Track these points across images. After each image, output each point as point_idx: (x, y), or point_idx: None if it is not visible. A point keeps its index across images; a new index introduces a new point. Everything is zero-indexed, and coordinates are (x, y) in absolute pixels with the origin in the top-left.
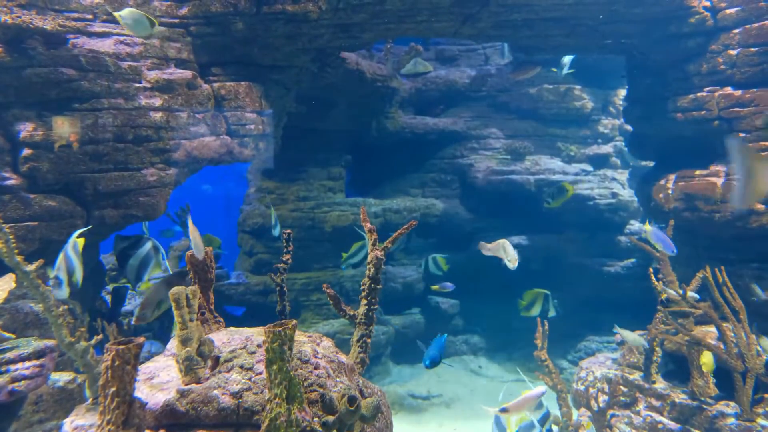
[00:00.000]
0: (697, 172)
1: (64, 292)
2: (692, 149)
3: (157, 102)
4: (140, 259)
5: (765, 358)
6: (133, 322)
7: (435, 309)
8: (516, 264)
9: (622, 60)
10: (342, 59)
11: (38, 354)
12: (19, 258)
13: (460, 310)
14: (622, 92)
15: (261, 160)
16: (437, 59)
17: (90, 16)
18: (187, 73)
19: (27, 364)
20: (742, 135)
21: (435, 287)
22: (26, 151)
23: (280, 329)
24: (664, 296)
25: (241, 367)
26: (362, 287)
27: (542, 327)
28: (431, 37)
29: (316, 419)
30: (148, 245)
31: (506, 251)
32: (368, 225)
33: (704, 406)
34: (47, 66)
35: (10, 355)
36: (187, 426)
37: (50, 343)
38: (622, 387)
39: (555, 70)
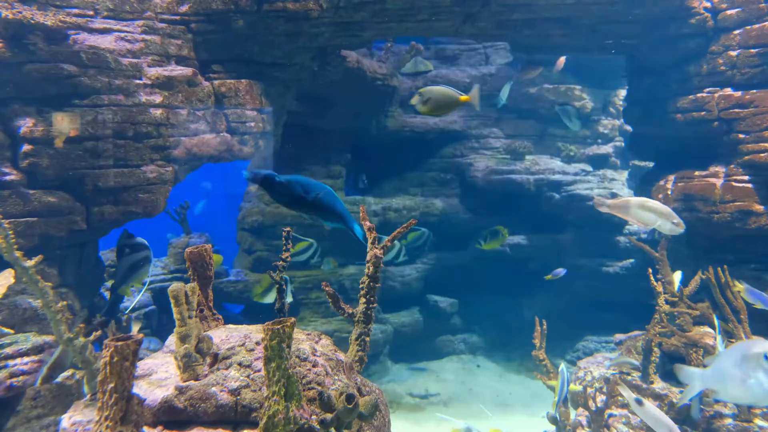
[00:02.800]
0: (697, 173)
1: None
2: (692, 150)
3: (158, 99)
4: (131, 263)
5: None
6: (37, 384)
7: (433, 308)
8: (683, 228)
9: (623, 60)
10: (342, 57)
11: (37, 350)
12: (18, 253)
13: (459, 309)
14: (622, 92)
15: (261, 157)
16: (437, 58)
17: (91, 12)
18: (188, 70)
19: (25, 359)
20: (742, 136)
21: (548, 277)
22: (26, 147)
23: (278, 327)
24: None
25: (240, 364)
26: (361, 285)
27: (540, 327)
28: (432, 36)
29: (314, 417)
30: (142, 254)
31: (665, 214)
32: (367, 224)
33: (702, 407)
34: (48, 62)
35: (8, 350)
36: (185, 423)
37: (49, 338)
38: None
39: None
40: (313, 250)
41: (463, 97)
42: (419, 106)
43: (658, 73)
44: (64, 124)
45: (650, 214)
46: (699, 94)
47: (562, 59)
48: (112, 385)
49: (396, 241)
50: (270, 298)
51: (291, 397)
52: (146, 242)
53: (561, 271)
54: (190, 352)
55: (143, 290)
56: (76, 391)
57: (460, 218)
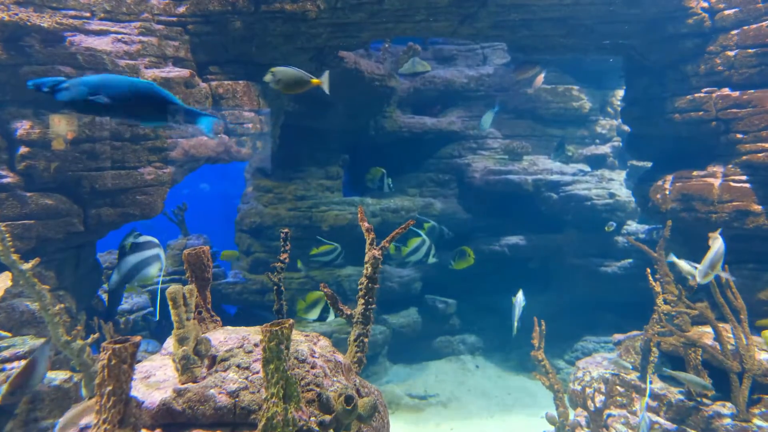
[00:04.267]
0: (695, 173)
1: None
2: (690, 150)
3: None
4: (138, 261)
5: None
6: (3, 400)
7: (432, 308)
8: (694, 285)
9: (620, 60)
10: (340, 58)
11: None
12: (15, 256)
13: (458, 310)
14: (620, 93)
15: (258, 159)
16: (435, 59)
17: (87, 14)
18: (185, 72)
19: (23, 362)
20: (739, 136)
21: (608, 228)
22: (23, 149)
23: (277, 328)
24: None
25: (238, 366)
26: (359, 287)
27: (539, 327)
28: (429, 36)
29: (312, 418)
30: (152, 252)
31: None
32: (366, 224)
33: (700, 407)
34: (44, 64)
35: (5, 353)
36: (183, 425)
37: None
38: (618, 387)
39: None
40: (336, 253)
41: (315, 81)
42: (272, 84)
43: (655, 73)
44: (61, 126)
45: (707, 260)
46: (697, 94)
47: (541, 77)
48: (110, 388)
49: (426, 239)
50: (313, 314)
51: (290, 399)
52: (156, 240)
53: (613, 224)
54: (188, 354)
55: (158, 293)
56: (74, 394)
57: (459, 219)
